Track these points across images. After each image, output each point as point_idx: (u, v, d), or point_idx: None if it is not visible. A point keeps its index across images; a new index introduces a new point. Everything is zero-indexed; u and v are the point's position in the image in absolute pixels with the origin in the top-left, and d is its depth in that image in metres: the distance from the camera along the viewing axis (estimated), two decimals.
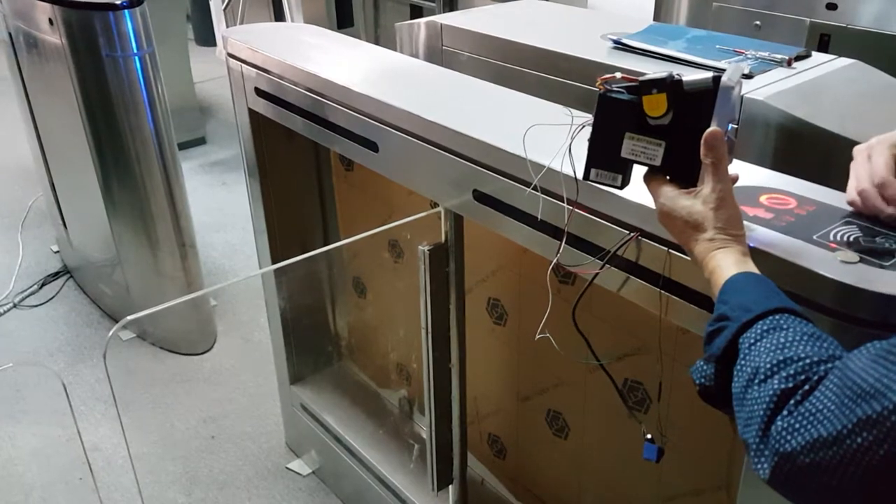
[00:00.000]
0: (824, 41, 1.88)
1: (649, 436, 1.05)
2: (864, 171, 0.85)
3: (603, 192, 0.96)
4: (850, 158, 0.92)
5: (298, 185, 1.88)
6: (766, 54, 1.40)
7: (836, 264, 0.79)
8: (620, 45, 1.54)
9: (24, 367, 2.44)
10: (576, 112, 0.98)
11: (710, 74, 0.77)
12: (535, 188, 1.00)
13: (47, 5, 2.10)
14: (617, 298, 1.15)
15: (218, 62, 5.30)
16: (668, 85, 0.77)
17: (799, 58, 1.41)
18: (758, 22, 2.05)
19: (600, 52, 1.55)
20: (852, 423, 0.53)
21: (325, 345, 2.09)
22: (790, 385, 0.60)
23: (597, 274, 0.98)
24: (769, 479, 0.60)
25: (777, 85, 1.30)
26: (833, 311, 0.77)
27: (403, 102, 1.27)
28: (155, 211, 2.33)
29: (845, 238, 0.84)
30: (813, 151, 1.19)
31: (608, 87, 0.81)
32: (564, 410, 1.47)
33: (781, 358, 0.62)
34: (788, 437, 0.58)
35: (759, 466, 0.61)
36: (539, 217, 1.03)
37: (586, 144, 0.86)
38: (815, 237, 0.84)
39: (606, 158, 0.83)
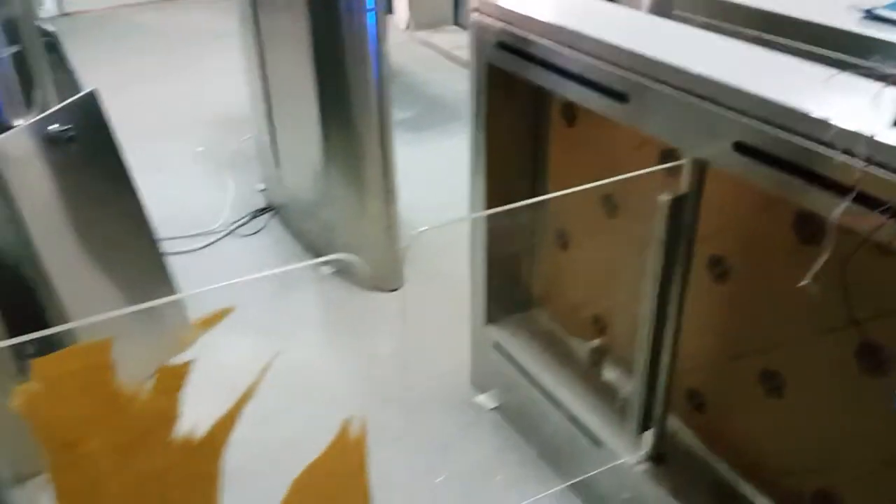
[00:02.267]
0: None
1: None
2: None
3: (893, 148, 1.00)
4: None
5: (517, 140, 1.99)
6: None
7: None
8: (873, 16, 1.54)
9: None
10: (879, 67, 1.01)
11: None
12: (828, 144, 1.04)
13: None
14: (866, 260, 1.19)
15: (395, 29, 5.57)
16: None
17: None
18: None
19: (850, 22, 1.55)
20: None
21: (522, 291, 2.21)
22: None
23: (882, 224, 1.01)
24: None
25: None
26: None
27: (661, 54, 1.34)
28: (368, 155, 2.53)
29: None
30: None
31: None
32: (783, 370, 1.51)
33: None
34: None
35: None
36: (830, 173, 1.07)
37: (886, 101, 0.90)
38: None
39: None
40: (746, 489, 1.64)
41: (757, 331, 1.55)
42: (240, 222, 3.14)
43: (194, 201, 3.31)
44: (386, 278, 2.74)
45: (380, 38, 2.33)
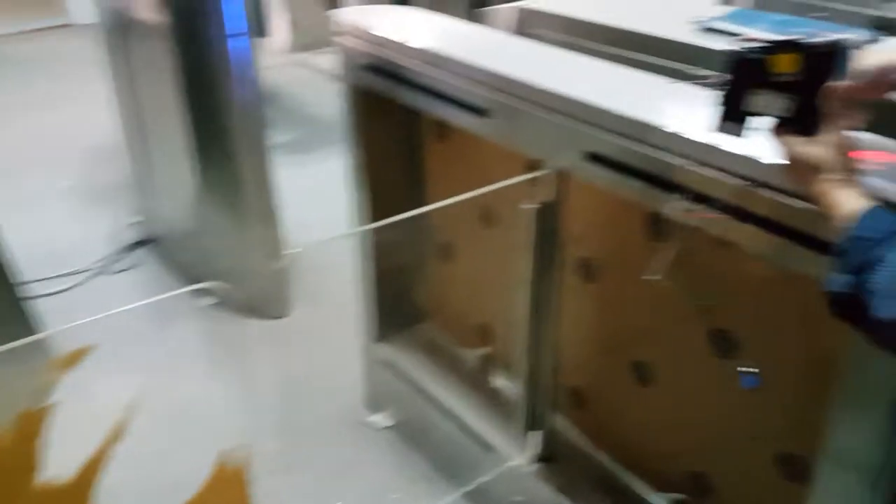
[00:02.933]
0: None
1: (746, 368, 1.18)
2: None
3: (715, 147, 1.09)
4: None
5: (393, 157, 2.03)
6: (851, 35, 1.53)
7: None
8: (708, 28, 1.67)
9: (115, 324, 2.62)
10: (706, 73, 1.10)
11: (832, 39, 0.90)
12: (659, 147, 1.13)
13: None
14: (706, 252, 1.29)
15: (272, 51, 5.50)
16: (797, 46, 0.90)
17: (871, 41, 1.53)
18: (820, 13, 2.16)
19: (688, 35, 1.68)
20: None
21: (410, 306, 2.23)
22: None
23: (712, 218, 1.11)
24: None
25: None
26: None
27: (518, 71, 1.41)
28: (245, 180, 2.49)
29: None
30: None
31: (743, 48, 0.94)
32: (650, 360, 1.61)
33: None
34: None
35: None
36: (663, 174, 1.16)
37: (708, 105, 0.99)
38: None
39: (735, 112, 0.96)
40: (629, 479, 1.73)
41: (624, 325, 1.64)
42: (113, 258, 3.01)
43: (63, 239, 3.14)
44: (271, 304, 2.70)
45: (249, 62, 2.31)
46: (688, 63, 1.57)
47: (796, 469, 1.38)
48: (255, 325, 2.67)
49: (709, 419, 1.52)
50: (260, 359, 2.52)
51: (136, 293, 2.82)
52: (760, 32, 1.61)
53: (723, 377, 1.42)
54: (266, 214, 2.55)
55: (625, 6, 2.00)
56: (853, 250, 0.83)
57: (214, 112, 2.38)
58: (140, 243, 3.09)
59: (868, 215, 0.85)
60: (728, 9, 1.84)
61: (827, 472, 1.16)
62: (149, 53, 2.54)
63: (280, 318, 2.70)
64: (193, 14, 2.26)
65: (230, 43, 2.24)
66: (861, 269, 0.81)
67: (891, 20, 2.01)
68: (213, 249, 2.68)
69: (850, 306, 0.82)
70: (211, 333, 2.65)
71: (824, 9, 2.15)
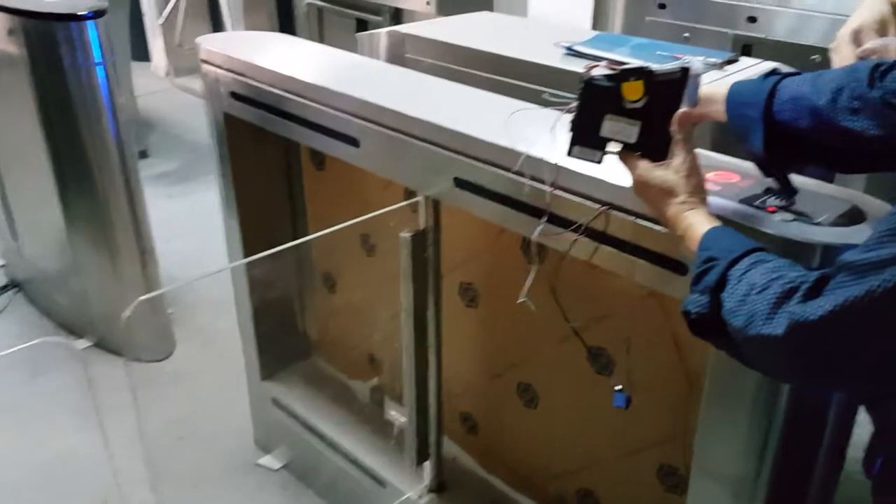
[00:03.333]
0: (746, 51, 2.10)
1: (619, 387, 1.19)
2: (847, 55, 0.96)
3: (575, 173, 1.10)
4: None
5: (269, 187, 1.96)
6: (701, 58, 1.59)
7: (777, 223, 0.96)
8: (572, 52, 1.71)
9: None
10: (553, 97, 1.11)
11: (679, 66, 0.93)
12: (519, 173, 1.14)
13: (7, 15, 2.12)
14: (578, 274, 1.30)
15: (154, 77, 5.31)
16: (644, 73, 0.92)
17: (729, 62, 1.60)
18: (687, 34, 2.27)
19: (554, 58, 1.70)
20: (872, 286, 0.64)
21: (295, 340, 2.16)
22: (790, 286, 0.72)
23: (574, 242, 1.11)
24: (784, 337, 0.70)
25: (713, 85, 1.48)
26: None
27: (386, 100, 1.39)
28: (115, 218, 2.36)
29: (782, 203, 1.01)
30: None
31: (593, 75, 0.95)
32: (534, 382, 1.61)
33: (775, 276, 0.75)
34: (809, 310, 0.68)
35: (771, 330, 0.71)
36: (525, 198, 1.16)
37: (564, 131, 0.99)
38: (756, 204, 1.01)
39: (588, 137, 0.97)
40: (522, 501, 1.72)
41: (508, 348, 1.64)
42: None
43: None
44: (153, 346, 2.56)
45: (112, 92, 2.19)
46: (553, 87, 1.59)
47: (676, 481, 1.40)
48: (135, 369, 2.53)
49: (593, 436, 1.53)
50: (142, 404, 2.38)
51: (4, 339, 2.62)
52: (621, 56, 1.66)
53: (603, 394, 1.44)
54: (141, 253, 2.43)
55: (499, 32, 2.03)
56: (702, 272, 0.84)
57: (77, 146, 2.25)
58: (5, 287, 2.87)
59: (712, 236, 0.87)
60: (592, 33, 1.89)
61: (700, 483, 1.18)
62: (3, 85, 2.37)
63: (162, 359, 2.56)
64: (50, 44, 2.13)
65: (89, 73, 2.12)
66: (712, 290, 0.82)
67: (754, 39, 2.14)
68: (86, 291, 2.52)
69: (708, 326, 0.83)
70: (87, 379, 2.48)
71: (695, 30, 2.26)
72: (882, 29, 0.98)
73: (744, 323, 0.76)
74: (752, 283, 0.77)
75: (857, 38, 0.97)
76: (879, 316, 0.66)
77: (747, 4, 2.15)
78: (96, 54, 2.13)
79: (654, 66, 0.93)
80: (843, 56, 0.98)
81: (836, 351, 0.70)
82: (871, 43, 0.94)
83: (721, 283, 0.81)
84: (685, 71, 0.91)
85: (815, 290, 0.70)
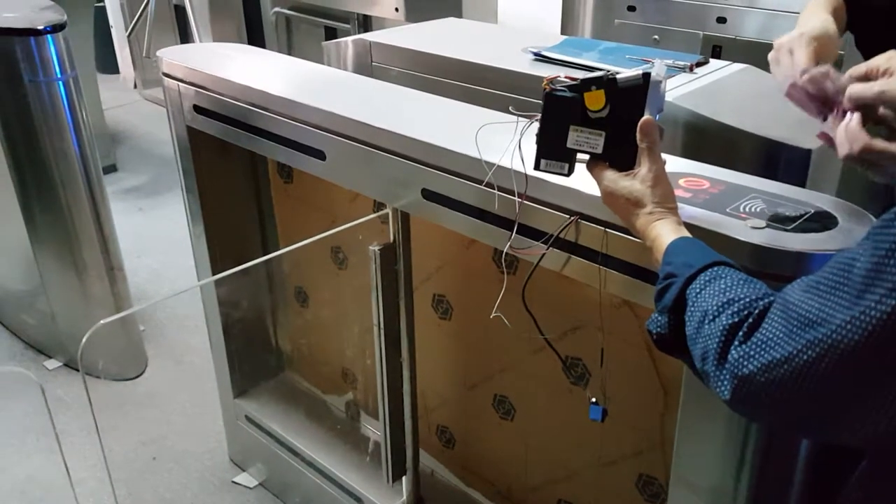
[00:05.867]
0: (716, 51, 2.10)
1: (594, 399, 1.17)
2: (787, 64, 0.94)
3: (544, 183, 1.08)
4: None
5: (236, 201, 1.92)
6: (670, 62, 1.58)
7: (748, 230, 0.94)
8: (540, 57, 1.69)
9: None
10: (519, 113, 1.09)
11: (640, 72, 0.90)
12: (489, 184, 1.11)
13: None
14: (552, 284, 1.28)
15: (122, 89, 5.24)
16: (605, 82, 0.90)
17: (699, 64, 1.59)
18: (656, 36, 2.27)
19: (523, 64, 1.68)
20: (801, 345, 0.64)
21: (268, 356, 2.12)
22: (736, 319, 0.71)
23: (543, 255, 1.09)
24: (730, 399, 0.71)
25: (682, 88, 1.47)
26: (749, 270, 0.91)
27: (351, 112, 1.36)
28: (81, 235, 2.31)
29: (752, 209, 0.99)
30: (717, 142, 1.36)
31: (553, 87, 0.92)
32: (510, 394, 1.58)
33: (725, 300, 0.74)
34: (746, 363, 0.68)
35: (720, 389, 0.71)
36: (495, 209, 1.14)
37: (532, 141, 0.97)
38: (727, 210, 0.99)
39: (554, 150, 0.95)
40: None
41: (483, 360, 1.61)
42: None
43: None
44: (124, 364, 2.50)
45: (74, 106, 2.14)
46: (522, 93, 1.58)
47: (656, 491, 1.38)
48: (106, 388, 2.47)
49: (571, 447, 1.51)
50: (113, 424, 2.33)
51: None
52: (589, 61, 1.64)
53: (579, 405, 1.42)
54: (109, 270, 2.37)
55: (466, 38, 2.01)
56: (662, 288, 0.82)
57: (40, 162, 2.19)
58: None
59: (674, 249, 0.84)
60: (561, 38, 1.88)
61: (679, 493, 1.16)
62: None
63: (134, 377, 2.51)
64: (8, 59, 2.07)
65: (49, 88, 2.07)
66: (670, 310, 0.80)
67: (724, 40, 2.14)
68: (54, 310, 2.46)
69: (671, 345, 0.81)
70: (57, 400, 2.42)
71: (664, 32, 2.26)
72: (823, 42, 0.95)
73: (700, 357, 0.74)
74: (705, 310, 0.75)
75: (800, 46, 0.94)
76: (803, 377, 0.65)
77: (716, 5, 2.15)
78: (56, 69, 2.08)
79: (617, 74, 0.91)
80: (783, 66, 0.96)
81: (777, 404, 0.68)
82: (812, 70, 0.91)
83: (679, 301, 0.79)
84: (646, 77, 0.89)
85: (757, 324, 0.70)
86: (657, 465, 1.36)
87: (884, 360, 0.61)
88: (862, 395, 0.63)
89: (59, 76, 2.08)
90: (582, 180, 1.02)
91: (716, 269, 0.78)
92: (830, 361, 0.63)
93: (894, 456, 0.73)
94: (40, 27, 2.03)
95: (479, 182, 1.15)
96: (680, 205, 0.99)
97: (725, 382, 0.70)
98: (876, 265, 0.60)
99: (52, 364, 2.53)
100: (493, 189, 1.11)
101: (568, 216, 1.08)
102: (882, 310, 0.59)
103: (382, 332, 1.51)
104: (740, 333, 0.70)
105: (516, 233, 1.13)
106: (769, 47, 0.99)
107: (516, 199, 1.08)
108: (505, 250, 1.13)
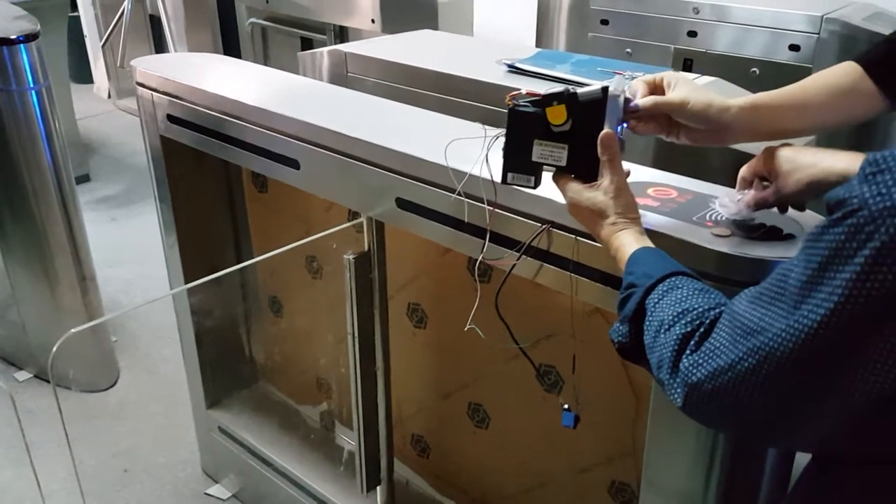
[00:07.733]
0: (687, 64, 2.14)
1: (566, 406, 1.18)
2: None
3: (516, 192, 1.09)
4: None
5: (210, 210, 1.92)
6: (641, 74, 1.60)
7: (713, 238, 0.96)
8: (514, 69, 1.71)
9: None
10: (487, 126, 1.11)
11: (599, 86, 0.93)
12: (459, 193, 1.12)
13: None
14: (525, 293, 1.30)
15: (97, 99, 5.20)
16: (566, 97, 0.92)
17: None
18: (629, 50, 2.30)
19: (497, 75, 1.70)
20: (742, 353, 0.67)
21: (242, 366, 2.11)
22: (689, 329, 0.74)
23: (514, 264, 1.10)
24: (683, 406, 0.73)
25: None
26: (714, 277, 0.94)
27: (326, 121, 1.37)
28: (53, 245, 2.28)
29: (718, 218, 1.01)
30: (686, 152, 1.38)
31: (516, 103, 0.94)
32: (484, 402, 1.59)
33: (680, 310, 0.76)
34: (694, 371, 0.71)
35: (673, 397, 0.74)
36: (465, 219, 1.15)
37: (501, 153, 0.99)
38: (694, 218, 1.01)
39: (519, 163, 0.96)
40: None
41: (458, 368, 1.62)
42: None
43: None
44: (96, 375, 2.47)
45: (47, 116, 2.12)
46: (495, 104, 1.59)
47: (629, 497, 1.40)
48: (78, 399, 2.44)
49: (545, 455, 1.52)
50: (85, 436, 2.30)
51: None
52: (562, 73, 1.67)
53: (553, 412, 1.43)
54: (81, 280, 2.35)
55: (440, 50, 2.03)
56: (624, 298, 0.84)
57: (11, 172, 2.17)
58: None
59: (635, 259, 0.86)
60: (535, 50, 1.90)
61: (650, 499, 1.18)
62: None
63: (106, 388, 2.48)
64: None
65: (22, 98, 2.06)
66: (631, 319, 0.82)
67: (695, 53, 2.18)
68: (25, 321, 2.43)
69: (633, 354, 0.83)
70: (28, 412, 2.38)
71: (637, 45, 2.30)
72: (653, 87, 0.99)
73: (655, 365, 0.76)
74: (661, 320, 0.77)
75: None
76: (745, 384, 0.67)
77: (688, 19, 2.19)
78: (29, 78, 2.07)
79: (577, 88, 0.93)
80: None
81: (724, 410, 0.70)
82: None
83: (639, 311, 0.81)
84: (605, 91, 0.91)
85: (708, 333, 0.72)
86: (629, 471, 1.37)
87: (816, 368, 0.63)
88: (799, 402, 0.65)
89: (31, 86, 2.07)
90: (552, 189, 1.04)
91: (674, 279, 0.80)
92: (769, 369, 0.65)
93: (836, 458, 0.75)
94: (13, 36, 2.02)
95: (453, 191, 1.16)
96: (647, 213, 1.01)
97: (678, 390, 0.72)
98: (809, 276, 0.62)
99: (22, 375, 2.49)
100: (464, 198, 1.13)
101: (540, 224, 1.10)
102: (813, 318, 0.61)
103: (357, 341, 1.51)
104: (692, 343, 0.73)
105: (490, 241, 1.14)
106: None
107: (486, 206, 1.09)
108: (479, 260, 1.14)
